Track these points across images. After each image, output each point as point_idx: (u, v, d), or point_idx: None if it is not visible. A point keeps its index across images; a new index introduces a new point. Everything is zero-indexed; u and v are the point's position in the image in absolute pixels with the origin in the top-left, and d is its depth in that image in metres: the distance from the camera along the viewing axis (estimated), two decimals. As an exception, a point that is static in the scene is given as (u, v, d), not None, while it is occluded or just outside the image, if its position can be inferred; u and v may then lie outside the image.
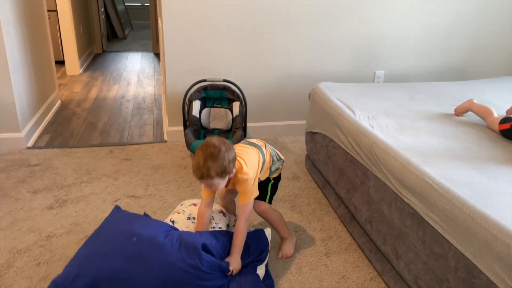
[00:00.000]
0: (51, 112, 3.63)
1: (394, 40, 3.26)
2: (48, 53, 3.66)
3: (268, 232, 1.84)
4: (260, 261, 1.72)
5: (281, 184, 2.54)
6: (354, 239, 2.05)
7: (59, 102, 3.94)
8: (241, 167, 1.64)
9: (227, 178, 1.59)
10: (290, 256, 1.90)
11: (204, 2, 2.82)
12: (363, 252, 1.96)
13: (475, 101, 2.17)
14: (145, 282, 1.44)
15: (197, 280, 1.48)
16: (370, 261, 1.89)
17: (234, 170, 1.61)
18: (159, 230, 1.58)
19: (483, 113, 2.08)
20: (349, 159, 2.04)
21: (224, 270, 1.58)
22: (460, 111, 2.19)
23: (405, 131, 1.96)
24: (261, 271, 1.72)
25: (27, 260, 1.82)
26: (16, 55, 2.83)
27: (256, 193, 1.68)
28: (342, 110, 2.19)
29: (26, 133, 2.95)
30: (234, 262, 1.64)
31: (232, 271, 1.61)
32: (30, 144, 2.99)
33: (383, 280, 1.78)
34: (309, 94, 2.65)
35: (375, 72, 3.33)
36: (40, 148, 2.94)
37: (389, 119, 2.11)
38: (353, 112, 2.16)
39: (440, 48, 3.37)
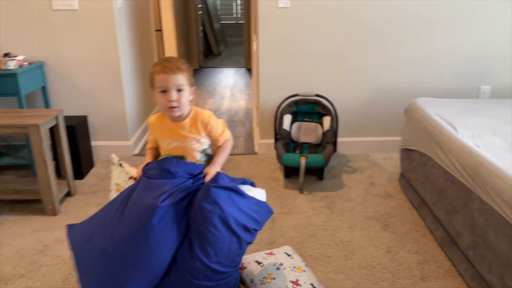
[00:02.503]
0: (154, 123, 3.96)
1: (503, 54, 3.01)
2: (154, 69, 4.01)
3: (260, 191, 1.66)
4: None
5: (373, 202, 2.48)
6: (453, 264, 1.92)
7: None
8: (198, 109, 1.62)
9: (190, 95, 1.56)
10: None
11: (298, 19, 2.89)
12: (463, 279, 1.83)
13: None
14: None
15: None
16: (472, 290, 1.76)
17: (191, 109, 1.60)
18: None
19: None
20: (450, 179, 1.93)
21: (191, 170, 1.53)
22: None
23: (516, 152, 1.80)
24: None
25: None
26: (128, 71, 3.15)
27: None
28: (443, 127, 2.08)
29: (134, 141, 3.25)
30: (211, 170, 1.56)
31: (205, 175, 1.54)
32: (136, 151, 3.29)
33: (488, 313, 1.64)
34: (406, 109, 2.56)
35: (480, 88, 3.10)
36: (144, 155, 3.21)
37: (497, 137, 1.96)
38: (455, 130, 2.04)
39: (558, 60, 3.04)
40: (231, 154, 3.24)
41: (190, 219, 1.49)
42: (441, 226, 2.06)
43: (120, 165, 1.79)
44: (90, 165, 2.96)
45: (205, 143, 1.65)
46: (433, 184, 2.11)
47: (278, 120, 2.97)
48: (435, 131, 2.11)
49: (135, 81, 3.35)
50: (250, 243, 1.56)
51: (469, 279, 1.76)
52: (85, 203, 2.50)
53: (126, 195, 1.53)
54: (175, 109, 1.53)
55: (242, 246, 1.53)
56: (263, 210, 1.61)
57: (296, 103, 2.98)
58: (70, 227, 1.60)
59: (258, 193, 1.62)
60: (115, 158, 1.85)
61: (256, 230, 1.57)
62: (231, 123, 4.05)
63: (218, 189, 1.49)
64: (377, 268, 1.91)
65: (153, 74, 1.53)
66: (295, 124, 3.02)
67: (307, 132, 3.02)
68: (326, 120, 2.94)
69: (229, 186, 1.51)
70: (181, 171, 1.54)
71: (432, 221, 2.14)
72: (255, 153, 3.27)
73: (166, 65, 1.51)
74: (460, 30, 2.95)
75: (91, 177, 2.84)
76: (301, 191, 2.63)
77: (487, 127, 2.10)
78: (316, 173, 2.81)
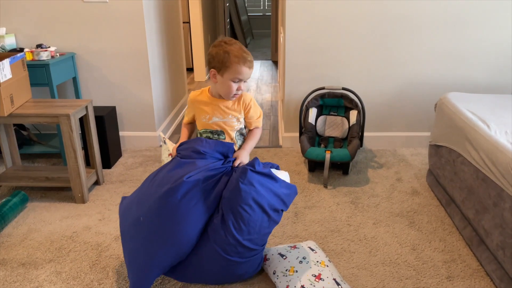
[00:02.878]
0: (181, 114, 4.00)
1: (541, 47, 2.88)
2: (181, 61, 4.05)
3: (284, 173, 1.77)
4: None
5: (399, 198, 2.44)
6: (481, 265, 1.86)
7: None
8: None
9: None
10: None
11: (325, 11, 2.84)
12: (492, 280, 1.77)
13: None
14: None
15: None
16: (500, 292, 1.70)
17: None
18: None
19: None
20: (481, 177, 1.87)
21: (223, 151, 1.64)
22: None
23: (553, 150, 1.72)
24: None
25: (158, 246, 2.04)
26: (155, 62, 3.19)
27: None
28: (475, 123, 2.01)
29: (161, 132, 3.29)
30: (241, 155, 1.69)
31: (235, 159, 1.67)
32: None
33: (517, 316, 1.59)
34: (436, 104, 2.49)
35: (514, 82, 2.98)
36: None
37: (532, 135, 1.88)
38: (488, 126, 1.97)
39: None
40: (255, 147, 3.25)
41: (222, 197, 1.60)
42: (469, 225, 2.00)
43: (164, 142, 1.91)
44: (118, 155, 3.03)
45: (243, 122, 1.78)
46: (462, 182, 2.05)
47: (304, 114, 2.95)
48: (466, 127, 2.05)
49: (163, 72, 3.39)
50: (277, 222, 1.70)
51: (497, 279, 1.71)
52: (113, 191, 2.56)
53: (160, 170, 1.67)
54: (236, 96, 1.68)
55: (270, 225, 1.68)
56: (292, 193, 1.73)
57: (322, 96, 2.94)
58: (123, 199, 1.79)
59: (284, 176, 1.74)
60: (161, 135, 2.02)
61: (283, 211, 1.71)
62: (256, 115, 4.04)
63: (255, 173, 1.60)
64: (401, 265, 1.88)
65: (232, 61, 1.58)
66: (321, 118, 2.99)
67: (333, 126, 2.98)
68: (353, 114, 2.89)
69: (264, 172, 1.63)
70: (210, 151, 1.65)
71: (460, 220, 2.08)
72: (280, 146, 3.26)
73: (247, 58, 1.59)
74: (494, 23, 2.83)
75: (119, 166, 2.91)
76: (326, 186, 2.61)
77: (522, 124, 2.02)
78: (341, 167, 2.78)
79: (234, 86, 1.62)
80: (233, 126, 1.73)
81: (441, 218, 2.23)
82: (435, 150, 2.42)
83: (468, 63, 2.95)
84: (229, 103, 1.71)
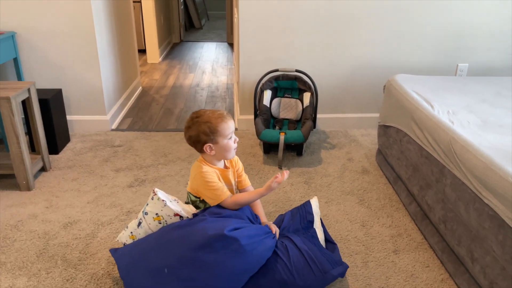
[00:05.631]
0: (133, 97, 3.89)
1: (481, 31, 3.03)
2: (132, 42, 3.91)
3: (314, 200, 1.84)
4: (310, 224, 1.74)
5: (350, 177, 2.52)
6: (425, 238, 1.97)
7: (140, 88, 4.20)
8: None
9: None
10: None
11: (280, -8, 2.83)
12: (434, 252, 1.88)
13: None
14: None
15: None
16: (441, 262, 1.81)
17: None
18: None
19: None
20: (425, 155, 1.96)
21: (264, 230, 1.60)
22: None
23: (489, 129, 1.83)
24: (319, 233, 1.75)
25: (109, 232, 1.98)
26: (104, 42, 3.06)
27: None
28: (419, 104, 2.10)
29: (111, 116, 3.19)
30: (271, 224, 1.70)
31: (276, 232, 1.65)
32: (114, 126, 3.23)
33: (455, 283, 1.70)
34: (384, 86, 2.56)
35: (457, 65, 3.13)
36: (123, 130, 3.17)
37: (471, 115, 1.99)
38: (431, 106, 2.06)
39: (534, 39, 3.08)
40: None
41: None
42: (414, 201, 2.10)
43: (164, 202, 1.66)
44: (66, 139, 2.90)
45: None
46: (408, 160, 2.14)
47: (258, 96, 2.95)
48: (411, 108, 2.13)
49: (112, 53, 3.26)
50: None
51: (440, 251, 1.82)
52: (61, 178, 2.46)
53: (182, 225, 1.57)
54: (236, 148, 1.70)
55: None
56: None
57: (276, 78, 2.95)
58: (115, 251, 1.69)
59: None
60: (158, 191, 1.72)
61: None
62: (212, 98, 4.01)
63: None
64: (351, 241, 1.95)
65: (215, 125, 1.60)
66: (275, 100, 3.01)
67: (287, 108, 3.01)
68: (306, 96, 2.93)
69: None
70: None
71: (406, 196, 2.18)
72: (235, 129, 3.25)
73: (223, 114, 1.63)
74: (439, 8, 2.94)
75: (67, 152, 2.79)
76: (280, 167, 2.64)
77: (463, 104, 2.13)
78: (295, 149, 2.82)
79: (231, 142, 1.66)
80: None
81: (389, 195, 2.33)
82: (384, 130, 2.51)
83: (415, 46, 3.05)
84: (231, 164, 1.78)
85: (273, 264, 1.53)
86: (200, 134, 1.61)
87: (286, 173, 1.60)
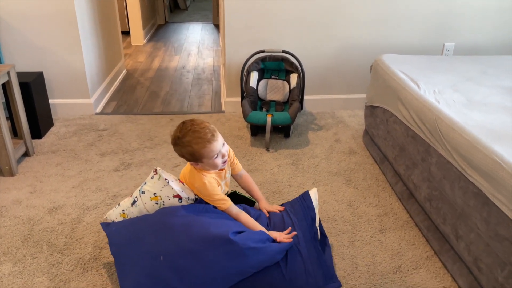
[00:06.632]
0: (118, 80, 3.82)
1: (467, 10, 3.02)
2: (115, 24, 3.82)
3: (313, 192, 1.77)
4: (312, 221, 1.69)
5: (337, 158, 2.52)
6: (411, 217, 1.99)
7: (124, 71, 4.13)
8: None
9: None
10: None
11: (266, -30, 2.78)
12: (420, 230, 1.91)
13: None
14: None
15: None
16: (427, 240, 1.84)
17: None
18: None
19: None
20: (411, 135, 1.96)
21: (267, 237, 1.56)
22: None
23: (474, 107, 1.84)
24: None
25: (95, 217, 1.96)
26: (86, 24, 2.98)
27: None
28: (406, 83, 2.10)
29: (95, 99, 3.13)
30: (268, 207, 1.78)
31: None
32: (98, 110, 3.18)
33: (440, 260, 1.73)
34: (371, 66, 2.55)
35: (444, 44, 3.13)
36: (108, 114, 3.11)
37: (457, 94, 1.99)
38: (418, 86, 2.06)
39: (520, 18, 3.09)
40: (198, 113, 3.20)
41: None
42: (400, 181, 2.12)
43: (166, 180, 1.64)
44: (49, 124, 2.84)
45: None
46: (394, 140, 2.15)
47: (245, 78, 2.92)
48: (398, 87, 2.13)
49: (95, 36, 3.18)
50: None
51: (425, 229, 1.84)
52: (45, 162, 2.42)
53: (185, 214, 1.56)
54: (227, 161, 1.65)
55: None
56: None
57: (263, 60, 2.92)
58: (107, 225, 1.67)
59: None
60: (160, 170, 1.70)
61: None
62: (198, 81, 3.95)
63: None
64: (338, 221, 1.97)
65: (197, 150, 1.54)
66: (262, 82, 2.98)
67: (274, 89, 2.98)
68: (293, 78, 2.91)
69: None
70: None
71: (393, 176, 2.20)
72: (222, 112, 3.23)
73: (206, 137, 1.53)
74: (427, -14, 2.92)
75: (51, 136, 2.74)
76: (268, 149, 2.64)
77: (449, 83, 2.13)
78: (283, 131, 2.81)
79: (218, 160, 1.59)
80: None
81: (376, 175, 2.35)
82: (371, 110, 2.51)
83: (402, 26, 3.03)
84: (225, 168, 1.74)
85: (269, 266, 1.53)
86: (184, 154, 1.58)
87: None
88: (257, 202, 1.85)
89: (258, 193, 1.86)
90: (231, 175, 1.85)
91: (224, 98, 3.27)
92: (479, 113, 1.77)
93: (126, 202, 1.70)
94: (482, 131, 1.57)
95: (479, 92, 2.02)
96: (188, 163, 1.67)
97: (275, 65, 2.94)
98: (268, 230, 1.64)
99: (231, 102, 3.17)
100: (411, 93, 2.00)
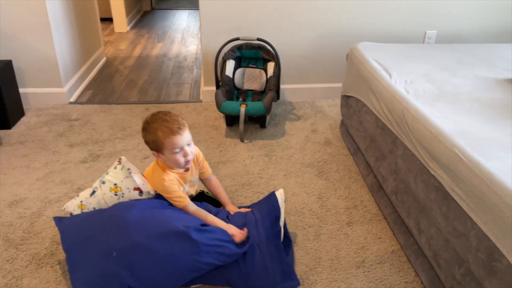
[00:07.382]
0: (95, 68, 3.73)
1: (450, -3, 2.95)
2: (93, 10, 3.72)
3: (279, 193, 1.72)
4: (277, 220, 1.65)
5: (312, 149, 2.47)
6: (380, 209, 1.95)
7: (104, 59, 4.04)
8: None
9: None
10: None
11: (241, -45, 2.69)
12: (387, 223, 1.87)
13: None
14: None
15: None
16: (394, 234, 1.80)
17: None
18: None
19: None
20: (380, 126, 1.91)
21: (227, 236, 1.53)
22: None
23: (444, 98, 1.78)
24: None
25: (57, 210, 1.91)
26: (57, 10, 2.88)
27: None
28: (377, 73, 2.03)
29: (69, 88, 3.05)
30: (233, 209, 1.75)
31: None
32: (72, 99, 3.11)
33: (405, 254, 1.69)
34: (347, 55, 2.49)
35: (425, 32, 3.06)
36: (81, 103, 3.04)
37: (429, 83, 1.94)
38: (390, 75, 2.00)
39: (503, 6, 3.01)
40: (174, 102, 3.13)
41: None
42: (371, 172, 2.08)
43: (129, 170, 1.62)
44: (20, 114, 2.77)
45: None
46: (366, 131, 2.10)
47: (221, 66, 2.84)
48: (370, 77, 2.07)
49: (68, 22, 3.09)
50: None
51: (392, 223, 1.80)
52: (11, 154, 2.36)
53: (144, 208, 1.53)
54: (190, 162, 1.62)
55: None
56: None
57: (239, 47, 2.84)
58: (59, 220, 1.63)
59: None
60: (125, 160, 1.67)
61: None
62: (178, 69, 3.88)
63: None
64: (306, 214, 1.93)
65: (160, 139, 1.51)
66: (239, 70, 2.91)
67: (251, 78, 2.92)
68: (270, 66, 2.84)
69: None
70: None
71: (364, 167, 2.15)
72: (200, 101, 3.16)
73: (173, 128, 1.52)
74: (408, -29, 2.84)
75: (20, 126, 2.67)
76: (242, 140, 2.58)
77: (422, 72, 2.07)
78: (258, 121, 2.75)
79: (179, 157, 1.56)
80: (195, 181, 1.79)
81: (349, 167, 2.30)
82: (345, 100, 2.45)
83: (382, 13, 2.96)
84: (192, 167, 1.70)
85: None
86: (148, 141, 1.57)
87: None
88: (224, 206, 1.81)
89: (225, 197, 1.83)
90: (200, 179, 1.81)
91: (202, 87, 3.20)
92: (448, 104, 1.72)
93: (85, 193, 1.65)
94: (447, 123, 1.52)
95: (452, 82, 1.96)
96: (155, 160, 1.64)
97: (252, 53, 2.86)
98: (228, 223, 1.60)
99: (209, 91, 3.10)
100: (381, 82, 1.95)
